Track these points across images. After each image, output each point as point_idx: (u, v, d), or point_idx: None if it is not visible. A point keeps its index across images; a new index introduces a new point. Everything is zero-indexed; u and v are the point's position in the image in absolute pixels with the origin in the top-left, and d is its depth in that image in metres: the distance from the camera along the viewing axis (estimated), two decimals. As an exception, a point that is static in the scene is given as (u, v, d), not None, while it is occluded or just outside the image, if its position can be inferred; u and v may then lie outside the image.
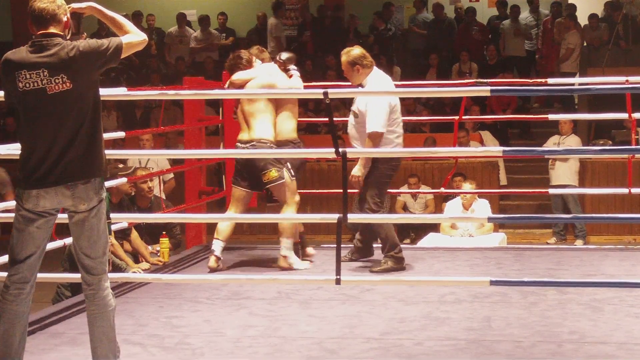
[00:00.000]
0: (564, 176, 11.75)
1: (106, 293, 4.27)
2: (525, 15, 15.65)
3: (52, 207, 4.16)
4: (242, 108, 7.07)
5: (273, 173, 6.97)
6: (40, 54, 4.10)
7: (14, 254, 4.20)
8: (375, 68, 6.99)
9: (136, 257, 7.53)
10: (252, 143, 6.92)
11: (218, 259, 7.01)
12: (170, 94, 5.99)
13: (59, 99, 4.09)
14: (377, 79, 6.92)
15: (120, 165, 7.93)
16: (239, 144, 7.04)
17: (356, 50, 6.94)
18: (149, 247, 7.70)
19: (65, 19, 4.20)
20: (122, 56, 4.25)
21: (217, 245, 7.05)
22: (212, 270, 6.93)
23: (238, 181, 7.13)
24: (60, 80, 4.09)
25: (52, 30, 4.15)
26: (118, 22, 4.33)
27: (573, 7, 15.37)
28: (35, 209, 4.14)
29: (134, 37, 4.30)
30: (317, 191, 10.24)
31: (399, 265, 6.85)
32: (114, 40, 4.23)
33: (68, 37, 4.22)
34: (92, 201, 4.17)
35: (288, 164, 7.08)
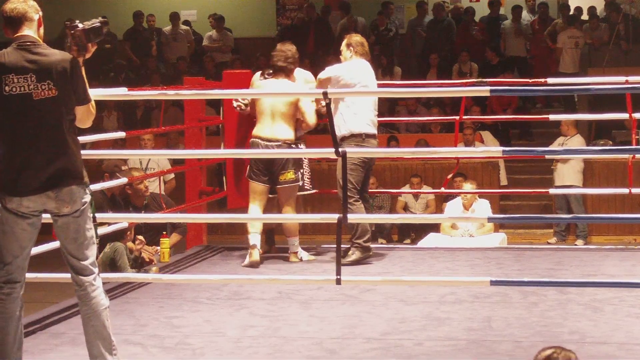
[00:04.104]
0: (567, 176, 11.76)
1: (97, 293, 4.26)
2: (525, 15, 15.69)
3: (36, 208, 4.16)
4: (271, 106, 7.07)
5: (291, 174, 7.13)
6: (28, 57, 4.09)
7: (0, 256, 4.20)
8: (363, 60, 7.16)
9: (136, 259, 7.54)
10: (278, 143, 7.05)
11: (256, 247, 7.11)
12: (171, 94, 5.99)
13: (44, 105, 4.09)
14: (352, 64, 7.13)
15: (124, 168, 7.93)
16: (259, 141, 7.07)
17: (357, 37, 7.27)
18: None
19: (37, 17, 4.19)
20: (76, 107, 4.18)
21: (256, 238, 7.13)
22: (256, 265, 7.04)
23: (258, 176, 7.17)
24: (47, 87, 4.08)
25: (26, 31, 4.15)
26: (85, 85, 4.27)
27: (567, 7, 15.47)
28: (19, 209, 4.14)
29: (94, 105, 4.27)
30: (317, 191, 10.21)
31: (366, 253, 7.08)
32: (88, 94, 4.23)
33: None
34: (76, 204, 4.17)
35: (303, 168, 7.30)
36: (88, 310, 4.25)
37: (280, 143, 7.05)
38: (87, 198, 4.23)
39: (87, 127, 4.33)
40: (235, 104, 7.39)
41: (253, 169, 7.19)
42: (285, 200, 7.21)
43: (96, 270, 4.29)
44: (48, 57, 4.10)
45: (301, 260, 7.25)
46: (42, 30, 4.24)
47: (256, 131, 7.14)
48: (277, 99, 7.07)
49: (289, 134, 7.11)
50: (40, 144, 4.10)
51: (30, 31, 4.16)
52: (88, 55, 4.30)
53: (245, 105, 7.33)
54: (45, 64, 4.09)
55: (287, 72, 7.14)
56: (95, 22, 4.33)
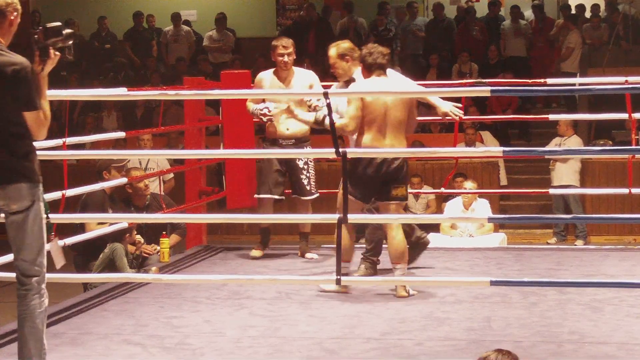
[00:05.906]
0: (565, 176, 11.75)
1: (38, 295, 4.28)
2: (528, 15, 15.72)
3: None
4: (388, 113, 6.03)
5: (404, 190, 6.16)
6: None
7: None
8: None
9: (137, 257, 7.55)
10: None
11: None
12: (171, 94, 5.98)
13: None
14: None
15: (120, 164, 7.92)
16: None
17: (345, 44, 6.66)
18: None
19: (12, 17, 4.15)
20: (26, 113, 4.11)
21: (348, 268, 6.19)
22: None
23: (364, 192, 6.11)
24: None
25: None
26: (44, 94, 4.20)
27: (568, 8, 15.47)
28: None
29: (47, 114, 4.19)
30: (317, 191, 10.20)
31: (374, 271, 6.59)
32: (36, 101, 4.14)
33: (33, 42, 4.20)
34: (24, 201, 4.16)
35: None
36: (26, 311, 4.26)
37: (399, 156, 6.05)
38: (38, 197, 4.22)
39: (42, 139, 4.26)
40: (262, 115, 6.98)
41: (358, 183, 6.03)
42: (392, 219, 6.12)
43: (42, 271, 4.29)
44: None
45: (408, 294, 6.04)
46: (12, 30, 4.18)
47: (372, 142, 6.02)
48: (393, 102, 6.01)
49: (404, 141, 6.15)
50: None
51: None
52: (50, 62, 4.21)
53: (270, 116, 6.97)
54: None
55: (386, 70, 6.25)
56: (59, 24, 4.28)
